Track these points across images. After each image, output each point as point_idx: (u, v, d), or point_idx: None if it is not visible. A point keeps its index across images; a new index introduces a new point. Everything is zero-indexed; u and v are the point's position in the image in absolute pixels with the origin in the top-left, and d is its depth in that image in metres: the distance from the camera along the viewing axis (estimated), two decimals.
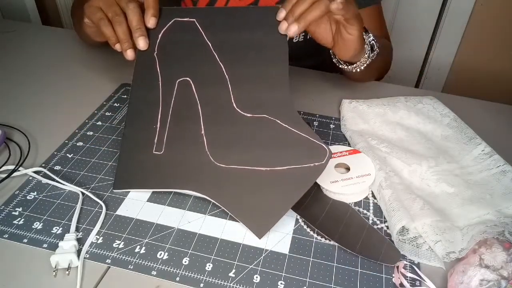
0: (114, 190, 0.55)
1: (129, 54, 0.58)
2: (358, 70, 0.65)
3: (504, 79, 1.42)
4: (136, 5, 0.57)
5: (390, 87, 0.78)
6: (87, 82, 0.76)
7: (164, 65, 0.58)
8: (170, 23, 0.59)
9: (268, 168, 0.52)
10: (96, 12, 0.58)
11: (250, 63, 0.56)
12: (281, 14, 0.55)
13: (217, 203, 0.52)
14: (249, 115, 0.55)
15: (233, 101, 0.55)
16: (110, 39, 0.57)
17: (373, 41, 0.64)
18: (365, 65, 0.64)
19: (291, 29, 0.54)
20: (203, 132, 0.55)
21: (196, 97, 0.56)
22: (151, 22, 0.58)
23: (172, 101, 0.57)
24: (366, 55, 0.63)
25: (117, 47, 0.58)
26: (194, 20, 0.59)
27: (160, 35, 0.59)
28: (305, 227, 0.51)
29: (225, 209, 0.51)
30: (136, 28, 0.57)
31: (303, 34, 0.80)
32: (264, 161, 0.52)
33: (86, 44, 0.85)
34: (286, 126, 0.53)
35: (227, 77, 0.56)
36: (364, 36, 0.63)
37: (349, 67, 0.65)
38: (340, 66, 0.65)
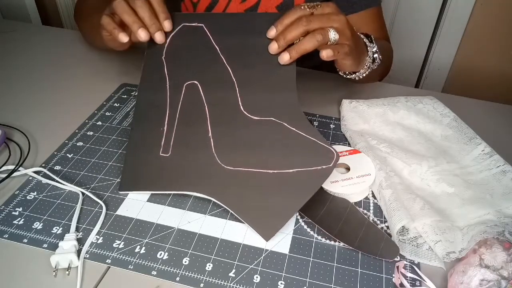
0: (120, 192, 0.55)
1: (159, 37, 0.58)
2: (357, 78, 0.66)
3: (504, 79, 1.43)
4: None
5: (390, 87, 0.78)
6: (87, 82, 0.76)
7: (172, 68, 0.59)
8: (179, 28, 0.60)
9: (275, 171, 0.52)
10: (124, 5, 0.57)
11: (257, 67, 0.57)
12: (271, 32, 0.56)
13: (223, 205, 0.52)
14: (256, 118, 0.55)
15: (240, 104, 0.55)
16: (133, 25, 0.57)
17: (376, 54, 0.64)
18: (364, 74, 0.65)
19: (284, 58, 0.55)
20: (210, 134, 0.55)
21: (204, 100, 0.57)
22: (166, 25, 0.59)
23: (180, 104, 0.57)
24: (366, 66, 0.64)
25: (142, 33, 0.57)
26: (202, 25, 0.60)
27: (168, 39, 0.60)
28: (305, 227, 0.51)
29: (232, 211, 0.51)
30: (161, 12, 0.58)
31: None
32: (271, 164, 0.52)
33: (90, 46, 0.85)
34: (293, 129, 0.53)
35: (234, 80, 0.57)
36: (368, 48, 0.64)
37: (350, 76, 0.66)
38: (341, 73, 0.66)
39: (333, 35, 0.55)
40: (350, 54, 0.57)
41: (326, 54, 0.55)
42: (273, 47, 0.55)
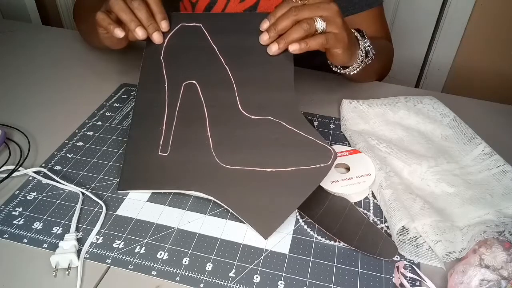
0: (119, 191, 0.55)
1: (157, 37, 0.58)
2: (352, 73, 0.65)
3: (504, 79, 1.42)
4: None
5: (390, 87, 0.78)
6: (87, 82, 0.76)
7: (170, 68, 0.59)
8: (177, 28, 0.60)
9: (274, 170, 0.52)
10: (121, 3, 0.57)
11: (255, 66, 0.57)
12: (264, 25, 0.56)
13: (222, 204, 0.52)
14: (254, 117, 0.55)
15: (238, 103, 0.56)
16: (130, 24, 0.57)
17: (368, 47, 0.64)
18: (358, 69, 0.65)
19: (272, 48, 0.56)
20: (209, 133, 0.55)
21: (202, 99, 0.57)
22: (163, 25, 0.59)
23: (178, 104, 0.57)
24: (359, 60, 0.64)
25: (140, 32, 0.57)
26: (201, 25, 0.60)
27: (166, 39, 0.60)
28: (305, 227, 0.51)
29: (230, 210, 0.51)
30: (158, 12, 0.58)
31: None
32: (269, 163, 0.52)
33: (90, 46, 0.85)
34: (291, 128, 0.54)
35: (232, 80, 0.57)
36: (359, 42, 0.63)
37: (342, 71, 0.66)
38: (334, 69, 0.66)
39: (320, 24, 0.55)
40: (340, 43, 0.57)
41: (312, 44, 0.54)
42: (264, 38, 0.56)
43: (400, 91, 0.75)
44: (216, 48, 0.59)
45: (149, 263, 0.47)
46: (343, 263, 0.47)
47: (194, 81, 0.58)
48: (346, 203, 0.53)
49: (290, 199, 0.50)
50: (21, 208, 0.52)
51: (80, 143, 0.62)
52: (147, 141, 0.56)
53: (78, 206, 0.52)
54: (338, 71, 0.66)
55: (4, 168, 0.57)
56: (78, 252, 0.47)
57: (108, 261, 0.47)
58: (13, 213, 0.52)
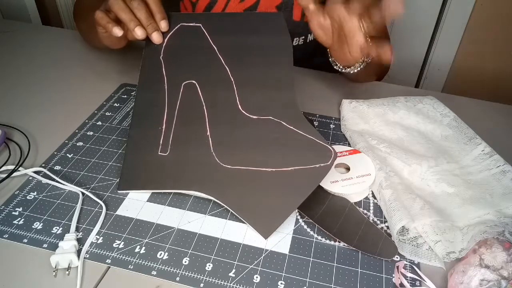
0: (119, 191, 0.55)
1: (156, 37, 0.58)
2: (352, 72, 0.65)
3: (504, 79, 1.43)
4: None
5: (390, 87, 0.78)
6: (87, 82, 0.76)
7: (170, 68, 0.59)
8: (176, 27, 0.60)
9: (274, 169, 0.52)
10: (120, 3, 0.58)
11: (255, 66, 0.57)
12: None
13: (222, 204, 0.52)
14: (254, 117, 0.55)
15: (238, 103, 0.56)
16: (130, 23, 0.57)
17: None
18: (358, 69, 0.65)
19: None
20: (208, 133, 0.55)
21: (202, 99, 0.57)
22: (163, 25, 0.59)
23: (178, 103, 0.57)
24: (361, 60, 0.64)
25: (139, 31, 0.57)
26: (200, 25, 0.60)
27: (166, 39, 0.60)
28: (305, 227, 0.51)
29: (230, 210, 0.51)
30: (157, 12, 0.58)
31: (303, 37, 0.81)
32: (269, 162, 0.52)
33: (90, 46, 0.85)
34: (291, 127, 0.54)
35: (232, 79, 0.57)
36: None
37: (343, 70, 0.66)
38: (335, 67, 0.66)
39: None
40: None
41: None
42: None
43: (400, 91, 0.75)
44: (215, 48, 0.59)
45: (149, 263, 0.47)
46: (343, 263, 0.47)
47: (193, 81, 0.58)
48: (346, 203, 0.53)
49: (290, 199, 0.50)
50: (21, 208, 0.52)
51: (80, 143, 0.62)
52: (147, 141, 0.56)
53: (78, 206, 0.52)
54: (340, 70, 0.66)
55: (4, 168, 0.57)
56: (78, 252, 0.47)
57: (108, 261, 0.47)
58: (13, 213, 0.52)
